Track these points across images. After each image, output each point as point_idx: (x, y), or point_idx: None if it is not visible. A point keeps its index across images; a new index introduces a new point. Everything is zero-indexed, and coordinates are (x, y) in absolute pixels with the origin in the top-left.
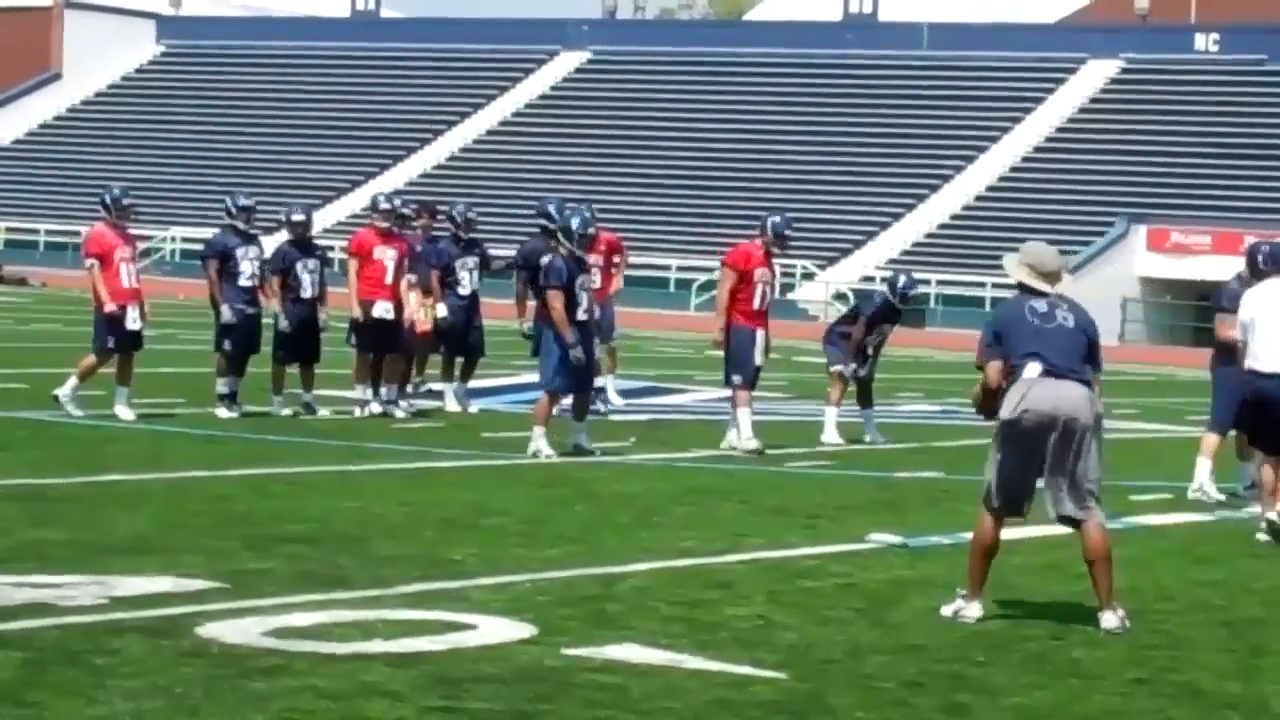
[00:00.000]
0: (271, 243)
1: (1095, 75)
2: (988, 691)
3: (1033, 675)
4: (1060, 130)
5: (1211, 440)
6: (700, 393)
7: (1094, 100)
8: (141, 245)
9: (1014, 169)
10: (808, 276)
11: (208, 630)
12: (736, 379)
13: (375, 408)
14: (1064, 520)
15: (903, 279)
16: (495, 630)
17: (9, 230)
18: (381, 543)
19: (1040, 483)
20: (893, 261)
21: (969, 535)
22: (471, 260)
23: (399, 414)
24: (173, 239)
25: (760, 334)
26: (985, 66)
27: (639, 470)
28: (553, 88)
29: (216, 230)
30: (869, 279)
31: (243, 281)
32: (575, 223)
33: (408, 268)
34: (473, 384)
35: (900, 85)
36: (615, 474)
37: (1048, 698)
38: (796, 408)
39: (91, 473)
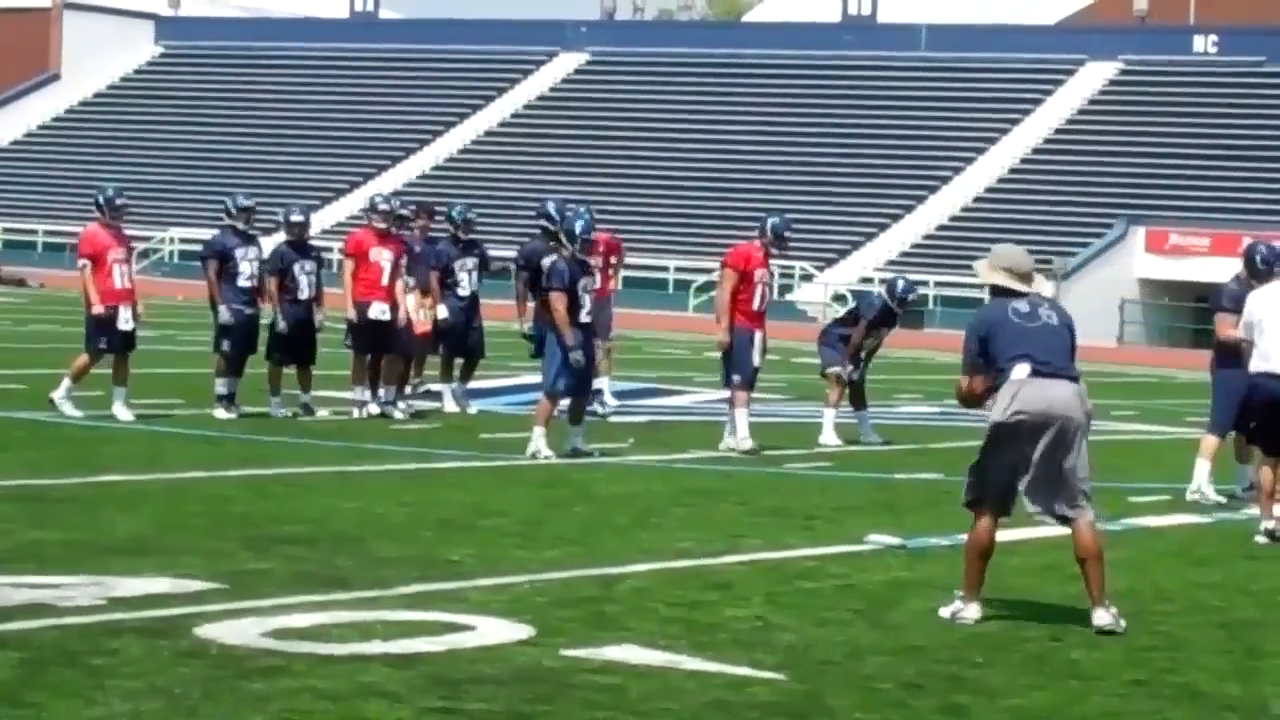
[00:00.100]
0: (269, 244)
1: (1094, 77)
2: (986, 693)
3: (1031, 676)
4: (1059, 132)
5: (1211, 442)
6: (699, 394)
7: (1093, 102)
8: (140, 246)
9: (1013, 170)
10: (806, 278)
11: (206, 631)
12: (736, 379)
13: (373, 409)
14: (1054, 518)
15: (901, 283)
16: (494, 631)
17: (7, 231)
18: (380, 544)
19: (1022, 484)
20: (891, 263)
21: (967, 536)
22: (471, 261)
23: (397, 415)
24: (171, 240)
25: (759, 335)
26: (984, 68)
27: (637, 471)
28: (551, 89)
29: (216, 231)
30: (867, 280)
31: (241, 282)
32: (579, 226)
33: (406, 269)
34: (472, 385)
35: (899, 87)
36: (614, 475)
37: (1046, 699)
38: (795, 409)
39: (90, 473)
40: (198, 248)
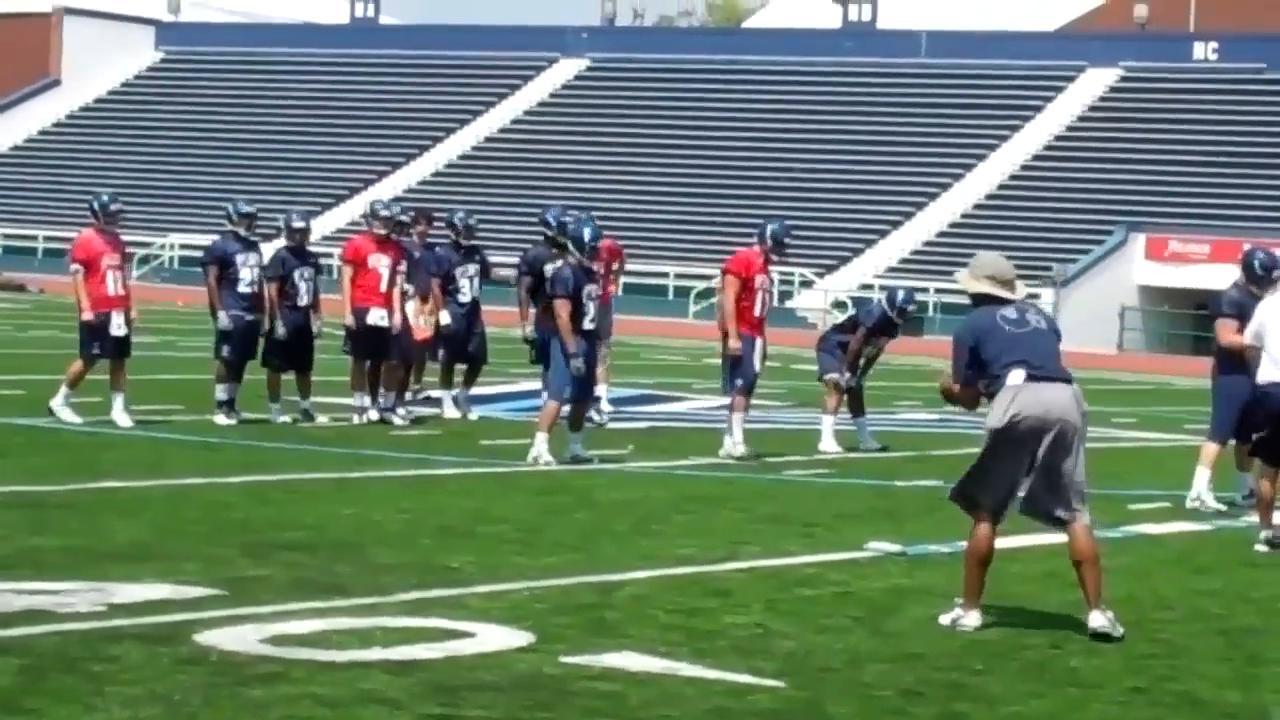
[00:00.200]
0: (269, 249)
1: (1094, 83)
2: (986, 700)
3: (1031, 684)
4: (1059, 138)
5: (1211, 449)
6: (698, 400)
7: (1093, 108)
8: (140, 252)
9: (1013, 177)
10: (806, 284)
11: (206, 637)
12: (738, 383)
13: (373, 415)
14: (1050, 522)
15: (901, 293)
16: (493, 638)
17: (7, 236)
18: (379, 550)
19: (1021, 489)
20: (891, 270)
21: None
22: (472, 268)
23: (397, 421)
24: (171, 245)
25: (759, 342)
26: (984, 74)
27: (637, 478)
28: (552, 95)
29: (217, 237)
30: (867, 287)
31: (242, 288)
32: (587, 234)
33: (406, 275)
34: (472, 391)
35: (899, 93)
36: (613, 482)
37: (1046, 706)
38: (794, 416)
39: (89, 479)
40: (198, 253)
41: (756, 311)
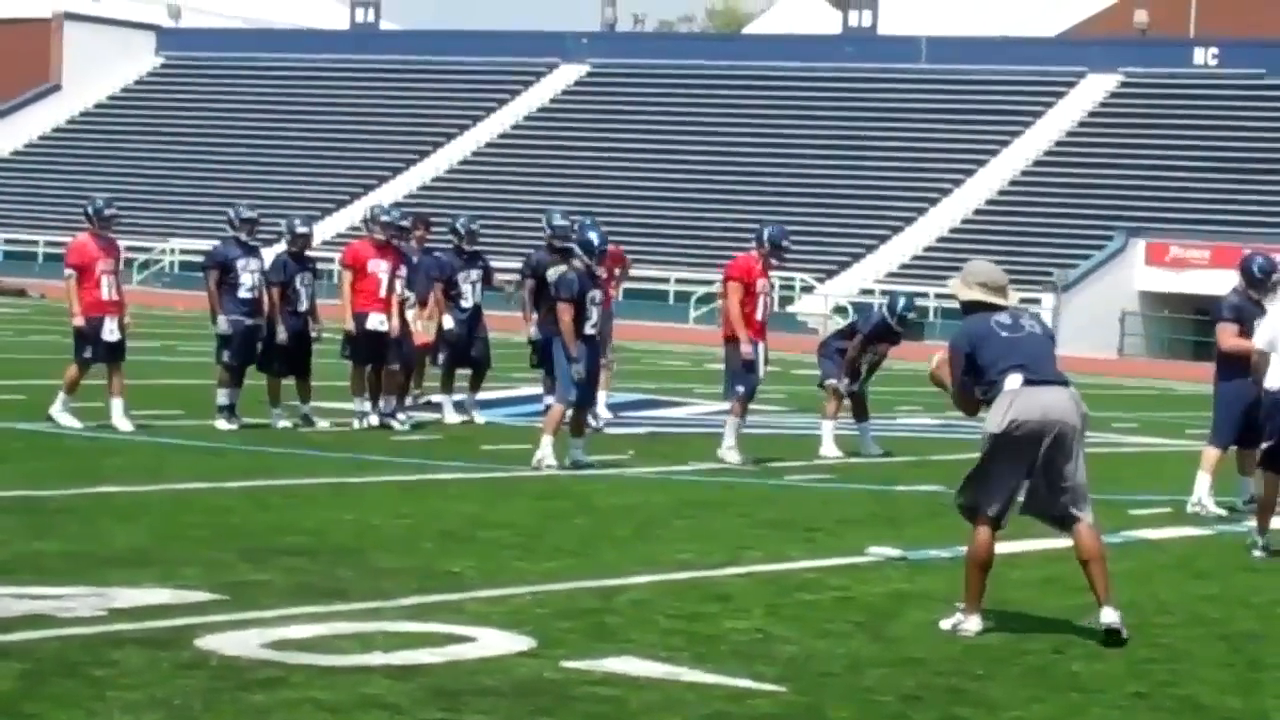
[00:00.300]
0: (269, 254)
1: (1094, 89)
2: (986, 705)
3: (1032, 689)
4: (1059, 144)
5: (1212, 454)
6: (698, 405)
7: (1093, 114)
8: (140, 257)
9: (1013, 182)
10: (807, 289)
11: (206, 642)
12: (739, 390)
13: (373, 420)
14: (1052, 523)
15: (902, 300)
16: (494, 642)
17: (7, 242)
18: (380, 555)
19: (1021, 493)
20: (892, 275)
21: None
22: (475, 273)
23: (397, 426)
24: (172, 250)
25: (761, 346)
26: (984, 80)
27: (637, 483)
28: (552, 100)
29: (217, 242)
30: (868, 292)
31: (242, 293)
32: (595, 238)
33: (406, 280)
34: (461, 398)
35: (899, 99)
36: (614, 487)
37: (1047, 711)
38: (795, 421)
39: (89, 484)
40: (198, 258)
41: (758, 316)
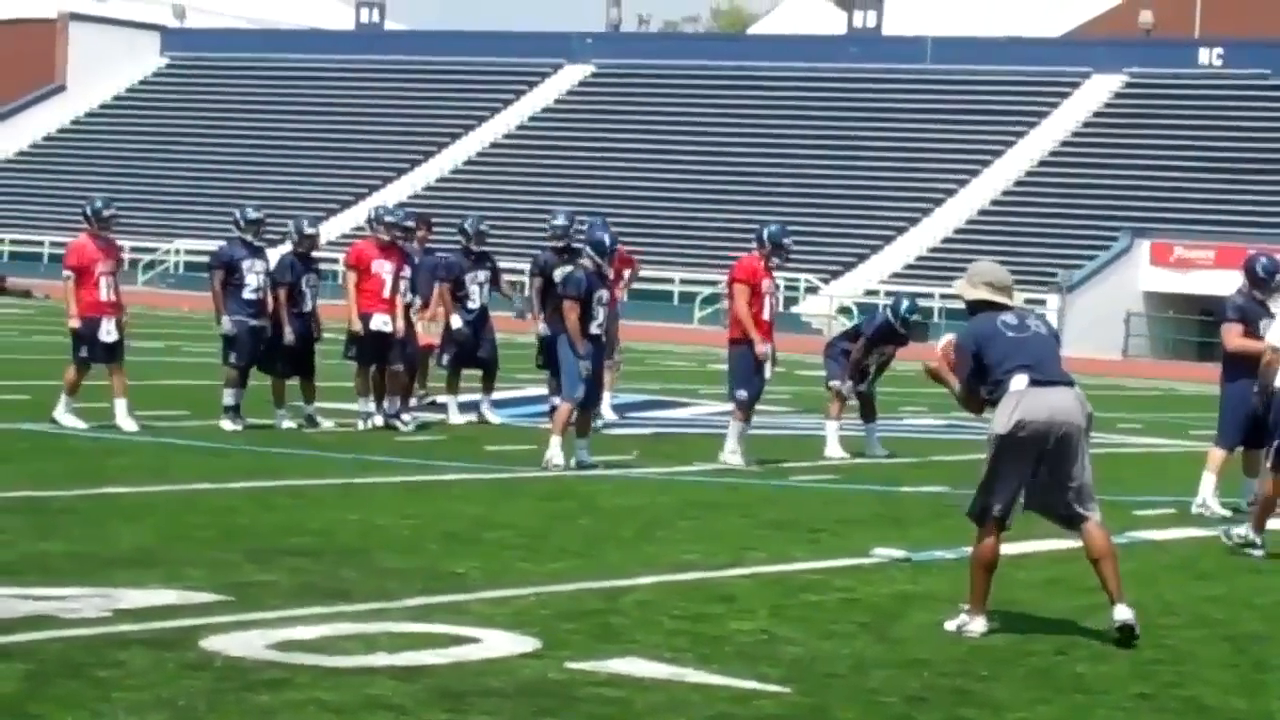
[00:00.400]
0: (274, 255)
1: (1099, 89)
2: (991, 706)
3: (1036, 690)
4: (1064, 144)
5: (1218, 455)
6: (703, 406)
7: (1098, 114)
8: (146, 257)
9: (1018, 183)
10: (811, 290)
11: (211, 643)
12: (742, 394)
13: (378, 420)
14: (1059, 521)
15: (905, 303)
16: (499, 643)
17: (13, 242)
18: (385, 555)
19: (1025, 494)
20: (896, 276)
21: (972, 549)
22: (482, 274)
23: (402, 427)
24: (176, 251)
25: (769, 347)
26: (989, 80)
27: (642, 484)
28: (557, 101)
29: (223, 242)
30: (873, 293)
31: (247, 294)
32: (607, 239)
33: (410, 282)
34: (475, 397)
35: (904, 99)
36: (618, 487)
37: (1052, 713)
38: (800, 421)
39: (94, 485)
40: (204, 259)
41: (765, 316)
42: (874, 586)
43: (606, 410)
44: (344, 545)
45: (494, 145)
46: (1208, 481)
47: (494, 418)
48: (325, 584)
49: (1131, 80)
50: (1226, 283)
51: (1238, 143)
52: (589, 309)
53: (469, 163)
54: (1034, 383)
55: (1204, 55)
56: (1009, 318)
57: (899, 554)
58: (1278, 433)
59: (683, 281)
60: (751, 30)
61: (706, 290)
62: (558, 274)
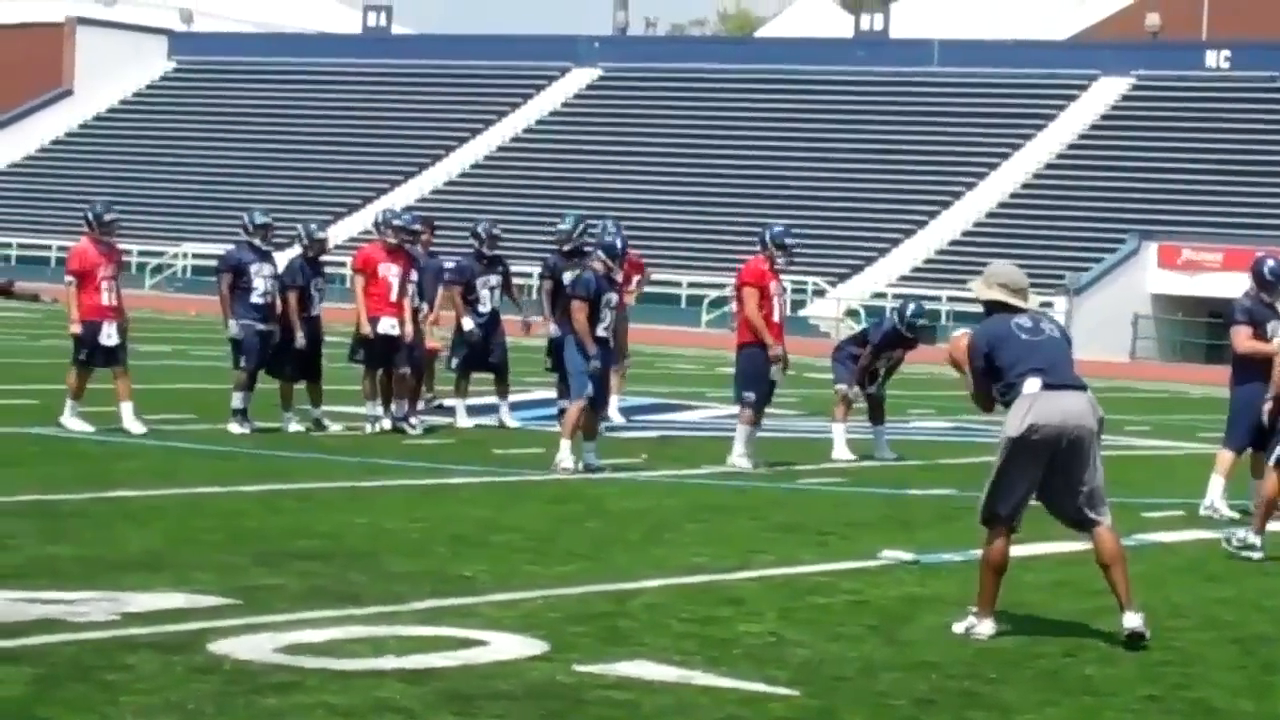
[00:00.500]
0: (283, 259)
1: (1106, 92)
2: (1000, 709)
3: (1045, 692)
4: (1071, 147)
5: (1226, 457)
6: (710, 409)
7: (1105, 117)
8: (153, 261)
9: (1025, 185)
10: (819, 293)
11: (220, 646)
12: (749, 395)
13: (386, 424)
14: (1071, 525)
15: (911, 307)
16: (507, 647)
17: (21, 246)
18: (393, 559)
19: (1035, 496)
20: (904, 278)
21: (980, 552)
22: (494, 278)
23: (410, 430)
24: (184, 255)
25: (780, 349)
26: (996, 83)
27: (650, 487)
28: (564, 104)
29: (231, 246)
30: (880, 296)
31: (254, 298)
32: (618, 243)
33: (417, 285)
34: (483, 401)
35: (911, 102)
36: (626, 490)
37: (1060, 715)
38: (808, 424)
39: (103, 488)
40: (211, 263)
41: (775, 317)
42: (882, 589)
43: (614, 413)
44: (352, 548)
45: (501, 149)
46: (1216, 483)
47: (513, 422)
48: (333, 587)
49: (1139, 82)
50: (1234, 285)
51: (1245, 145)
52: (597, 311)
53: (476, 166)
54: (1047, 386)
55: (1211, 57)
56: (1023, 320)
57: (907, 556)
58: None
59: (690, 285)
60: (758, 33)
61: (714, 293)
62: (567, 276)
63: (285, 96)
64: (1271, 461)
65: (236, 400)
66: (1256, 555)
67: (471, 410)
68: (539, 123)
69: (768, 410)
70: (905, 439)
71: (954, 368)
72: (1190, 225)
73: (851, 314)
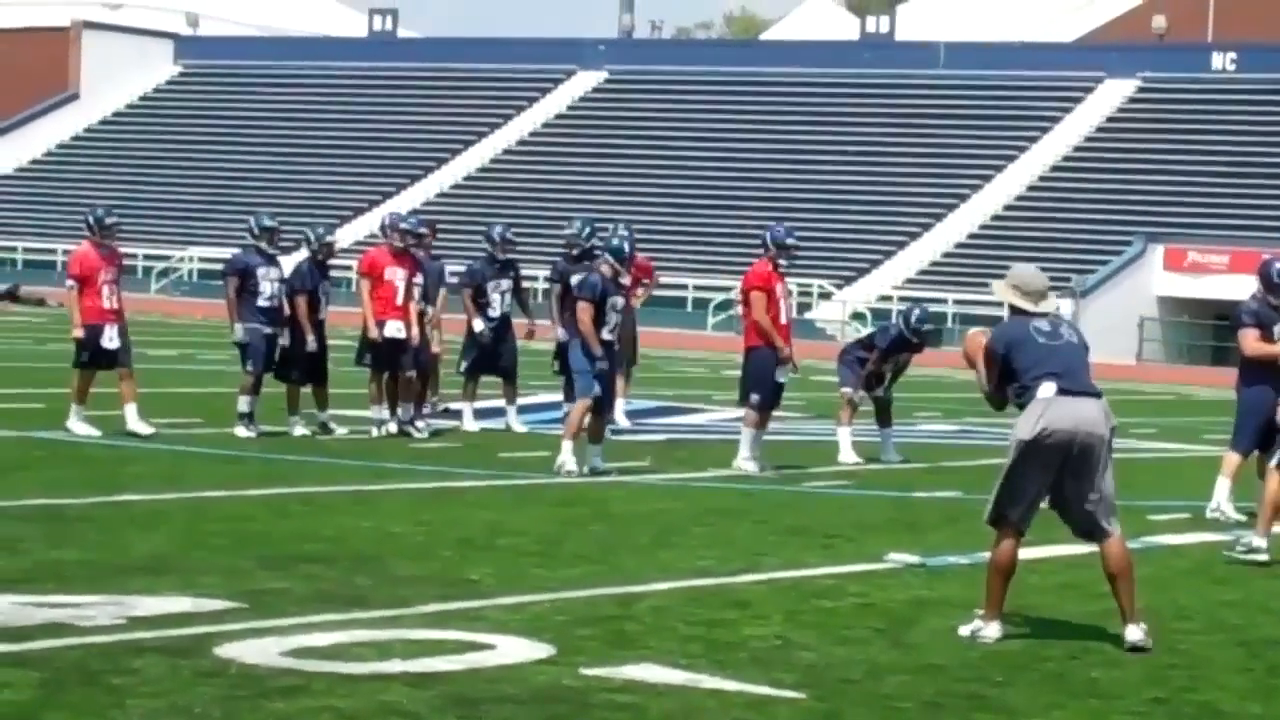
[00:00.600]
0: (289, 263)
1: (1112, 94)
2: (1006, 711)
3: (1051, 695)
4: (1077, 149)
5: (1233, 460)
6: (717, 412)
7: (1111, 119)
8: (159, 265)
9: (1031, 188)
10: (825, 296)
11: (226, 650)
12: (755, 397)
13: (392, 427)
14: (1080, 534)
15: (916, 312)
16: (513, 650)
17: (27, 250)
18: (399, 562)
19: (1046, 501)
20: (910, 281)
21: (987, 555)
22: (506, 283)
23: (416, 434)
24: (190, 259)
25: (789, 351)
26: (1002, 85)
27: (656, 490)
28: (569, 107)
29: (238, 250)
30: (886, 299)
31: (261, 302)
32: (627, 246)
33: (422, 289)
34: (490, 404)
35: (917, 104)
36: (632, 494)
37: (1066, 718)
38: (813, 427)
39: (109, 493)
40: (217, 266)
41: (782, 320)
42: (888, 592)
43: (620, 417)
44: (358, 552)
45: (507, 152)
46: (1222, 486)
47: (520, 427)
48: (339, 591)
49: (1145, 85)
50: (1240, 287)
51: (1251, 147)
52: (602, 313)
53: (482, 169)
54: (1062, 391)
55: (1217, 60)
56: (1042, 324)
57: (913, 559)
58: None
59: (696, 288)
60: (764, 36)
61: (720, 296)
62: (574, 279)
63: (291, 100)
64: (1273, 463)
65: (243, 404)
66: (1262, 558)
67: (478, 414)
68: (545, 126)
69: (774, 413)
70: (911, 442)
71: (968, 363)
72: (1196, 227)
73: (857, 317)
